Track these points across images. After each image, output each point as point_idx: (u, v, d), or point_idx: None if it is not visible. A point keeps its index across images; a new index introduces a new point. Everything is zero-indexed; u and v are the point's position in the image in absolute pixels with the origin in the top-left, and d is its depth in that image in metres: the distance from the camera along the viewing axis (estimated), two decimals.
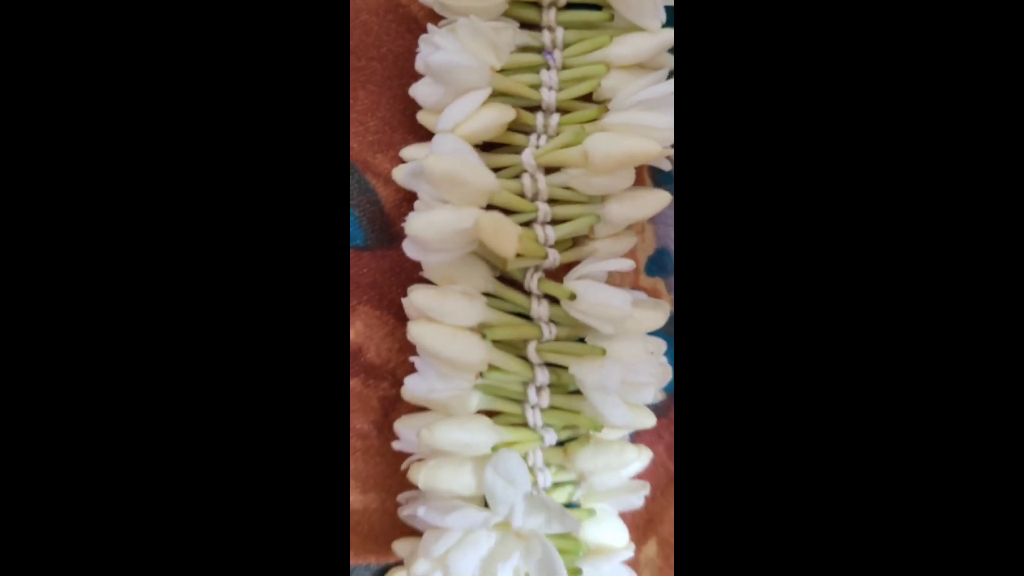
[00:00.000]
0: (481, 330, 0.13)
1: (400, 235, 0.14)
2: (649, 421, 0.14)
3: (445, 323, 0.13)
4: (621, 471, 0.14)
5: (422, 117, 0.14)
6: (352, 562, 0.15)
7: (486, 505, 0.13)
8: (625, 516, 0.16)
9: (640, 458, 0.15)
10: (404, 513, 0.14)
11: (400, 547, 0.15)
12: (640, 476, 0.16)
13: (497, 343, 0.13)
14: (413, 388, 0.13)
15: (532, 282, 0.14)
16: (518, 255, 0.13)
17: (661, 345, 0.14)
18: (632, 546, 0.16)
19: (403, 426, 0.14)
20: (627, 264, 0.13)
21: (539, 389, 0.14)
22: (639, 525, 0.17)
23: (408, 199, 0.14)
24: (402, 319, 0.14)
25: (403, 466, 0.14)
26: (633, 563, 0.17)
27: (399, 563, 0.15)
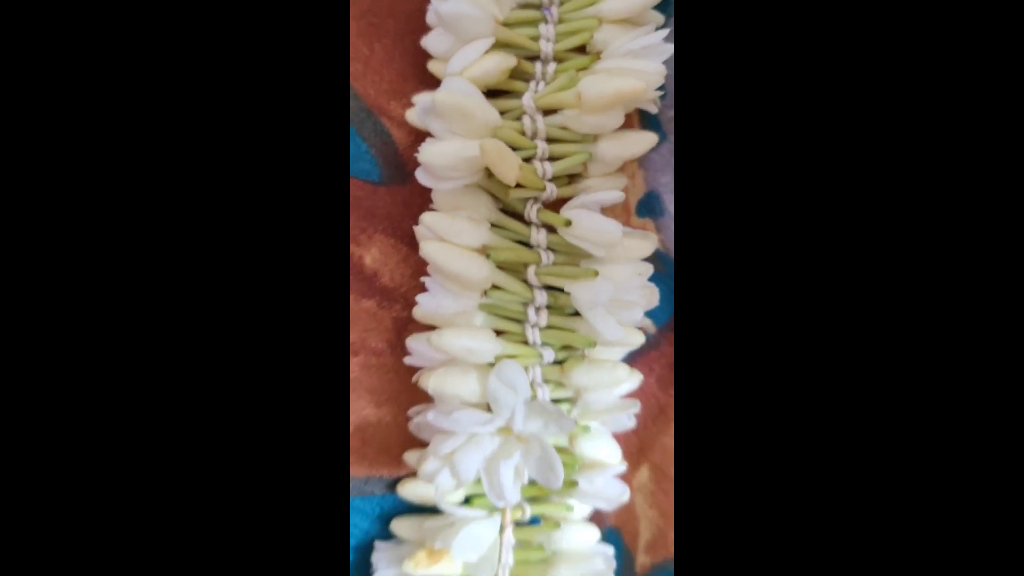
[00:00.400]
0: (485, 251, 0.14)
1: (411, 172, 0.16)
2: (638, 339, 0.15)
3: (453, 242, 0.14)
4: (613, 389, 0.16)
5: (432, 66, 0.16)
6: (366, 473, 0.16)
7: (489, 411, 0.14)
8: (619, 442, 0.18)
9: (631, 379, 0.16)
10: (414, 423, 0.16)
11: (410, 457, 0.16)
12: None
13: (500, 267, 0.15)
14: (424, 305, 0.14)
15: (532, 212, 0.15)
16: (519, 186, 0.15)
17: (648, 269, 0.15)
18: (624, 464, 0.17)
19: (414, 342, 0.15)
20: (617, 196, 0.15)
21: (538, 309, 0.15)
22: (632, 452, 0.18)
23: (418, 141, 0.15)
24: (414, 247, 0.16)
25: (414, 378, 0.15)
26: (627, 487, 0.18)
27: (410, 475, 0.17)
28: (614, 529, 0.18)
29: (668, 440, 0.18)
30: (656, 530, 0.18)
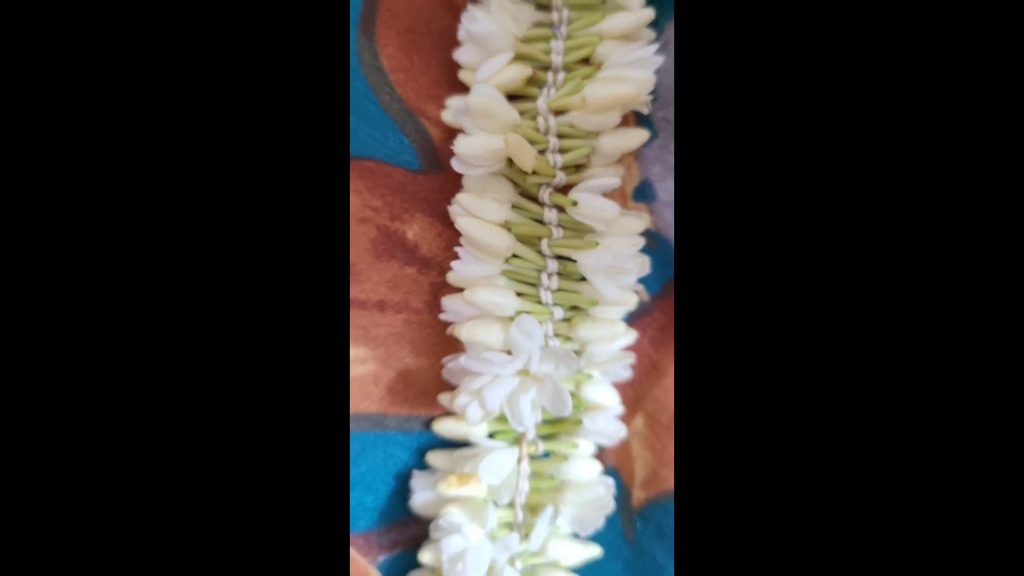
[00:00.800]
0: (507, 226, 0.18)
1: (445, 163, 0.19)
2: (632, 299, 0.18)
3: (481, 218, 0.17)
4: (613, 343, 0.19)
5: (462, 75, 0.19)
6: (407, 412, 0.19)
7: (511, 356, 0.17)
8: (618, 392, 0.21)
9: (627, 335, 0.19)
10: (447, 369, 0.19)
11: (443, 398, 0.19)
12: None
13: (519, 239, 0.18)
14: (457, 270, 0.18)
15: (545, 195, 0.18)
16: (534, 173, 0.18)
17: (640, 241, 0.18)
18: (622, 407, 0.20)
19: (448, 301, 0.18)
20: (614, 182, 0.18)
21: (550, 275, 0.18)
22: (629, 403, 0.21)
23: (450, 137, 0.19)
24: (447, 225, 0.19)
25: (448, 331, 0.18)
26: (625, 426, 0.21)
27: (444, 414, 0.20)
28: (614, 469, 0.21)
29: (660, 392, 0.21)
30: (650, 469, 0.21)
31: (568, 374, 0.17)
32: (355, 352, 0.19)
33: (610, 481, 0.20)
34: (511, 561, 0.19)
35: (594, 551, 0.20)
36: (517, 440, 0.19)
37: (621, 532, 0.21)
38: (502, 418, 0.19)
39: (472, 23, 0.18)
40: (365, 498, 0.19)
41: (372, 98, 0.19)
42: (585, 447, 0.20)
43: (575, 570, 0.20)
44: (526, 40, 0.18)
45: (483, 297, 0.17)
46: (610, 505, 0.19)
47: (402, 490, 0.19)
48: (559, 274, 0.18)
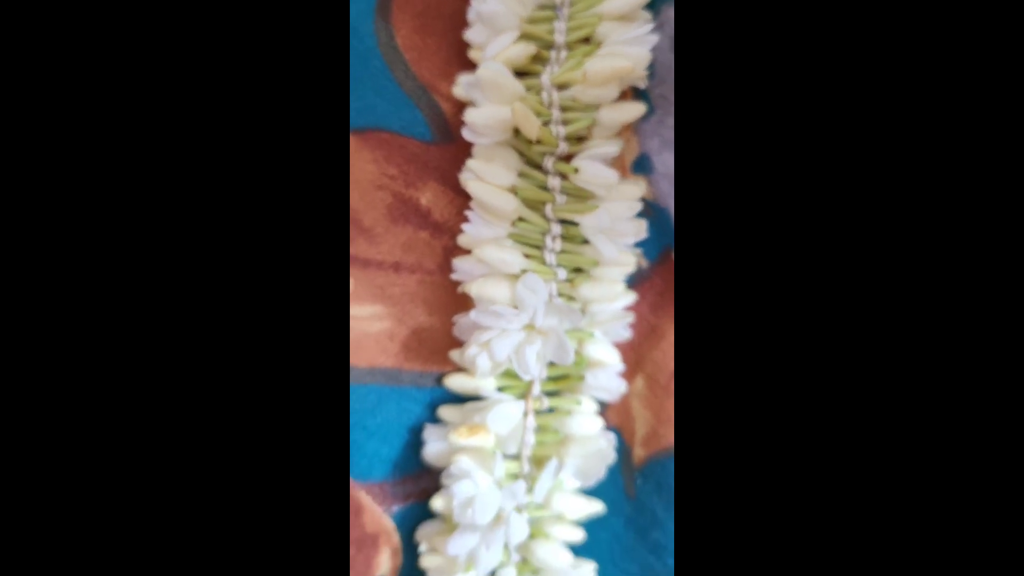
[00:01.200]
0: (514, 191, 0.19)
1: (457, 135, 0.20)
2: (630, 259, 0.20)
3: (490, 182, 0.18)
4: (613, 303, 0.20)
5: (472, 54, 0.20)
6: (420, 369, 0.21)
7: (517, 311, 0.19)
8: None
9: (626, 295, 0.20)
10: (457, 327, 0.20)
11: (454, 354, 0.20)
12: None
13: (525, 204, 0.19)
14: (468, 232, 0.19)
15: (548, 164, 0.19)
16: (539, 142, 0.19)
17: (638, 206, 0.19)
18: (623, 365, 0.21)
19: (459, 262, 0.19)
20: (614, 150, 0.19)
21: (554, 238, 0.19)
22: (629, 365, 0.22)
23: (460, 111, 0.20)
24: (458, 191, 0.20)
25: (459, 289, 0.19)
26: (624, 396, 0.22)
27: (455, 370, 0.21)
28: (615, 428, 0.22)
29: (659, 354, 0.22)
30: (649, 428, 0.22)
31: (571, 327, 0.18)
32: (372, 310, 0.20)
33: (611, 435, 0.21)
34: (518, 509, 0.20)
35: (597, 506, 0.21)
36: (523, 395, 0.20)
37: (623, 489, 0.22)
38: (508, 374, 0.20)
39: (481, 4, 0.19)
40: (381, 449, 0.20)
41: (388, 75, 0.21)
42: (588, 404, 0.21)
43: (579, 524, 0.21)
44: (531, 21, 0.20)
45: (492, 255, 0.18)
46: (611, 456, 0.20)
47: (415, 443, 0.21)
48: (562, 237, 0.20)
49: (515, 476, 0.20)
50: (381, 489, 0.21)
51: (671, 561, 0.22)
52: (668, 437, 0.22)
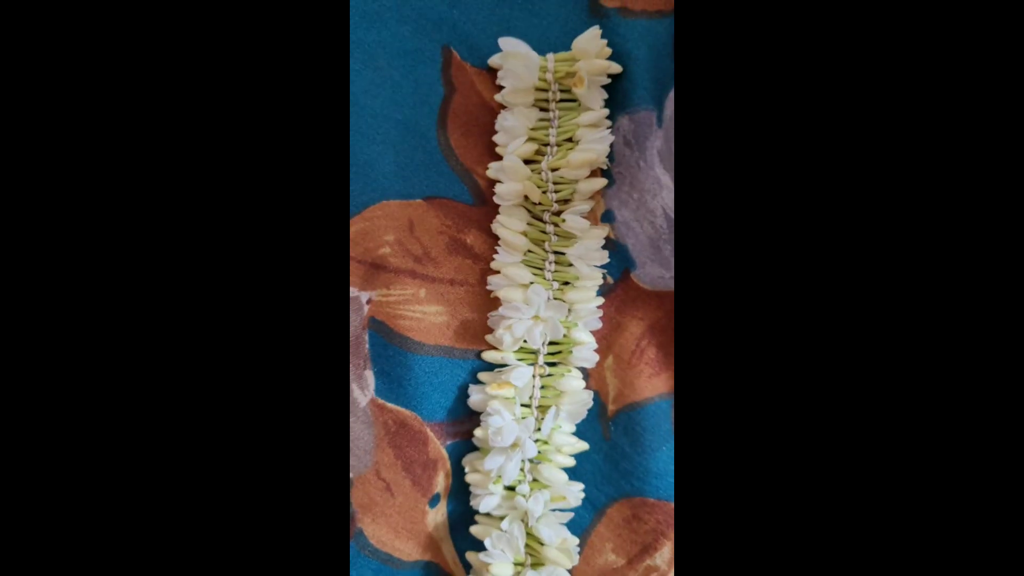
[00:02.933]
0: (524, 234, 0.30)
1: (489, 200, 0.31)
2: (599, 277, 0.30)
3: (510, 228, 0.30)
4: (589, 304, 0.31)
5: (498, 150, 0.31)
6: (465, 347, 0.31)
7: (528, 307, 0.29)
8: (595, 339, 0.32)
9: (597, 300, 0.31)
10: (491, 319, 0.30)
11: (489, 338, 0.31)
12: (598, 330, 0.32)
13: (531, 241, 0.30)
14: (497, 259, 0.30)
15: (546, 217, 0.30)
16: (540, 204, 0.30)
17: (602, 242, 0.30)
18: (595, 344, 0.31)
19: (492, 278, 0.30)
20: (587, 208, 0.30)
21: (550, 263, 0.30)
22: (601, 348, 0.31)
23: (490, 185, 0.31)
24: (490, 235, 0.31)
25: (492, 295, 0.30)
26: (599, 369, 0.32)
27: (488, 348, 0.31)
28: (594, 391, 0.32)
29: (623, 340, 0.32)
30: (617, 391, 0.32)
31: (561, 317, 0.29)
32: (436, 308, 0.31)
33: (591, 393, 0.31)
34: (530, 439, 0.30)
35: (583, 445, 0.31)
36: (533, 363, 0.31)
37: (600, 433, 0.32)
38: (523, 349, 0.30)
39: (503, 120, 0.31)
40: (440, 400, 0.31)
41: (445, 163, 0.32)
42: (575, 371, 0.31)
43: (571, 456, 0.31)
44: (534, 129, 0.31)
45: (512, 273, 0.29)
46: (590, 403, 0.31)
47: (462, 397, 0.31)
48: (555, 262, 0.31)
49: (527, 417, 0.31)
50: (440, 428, 0.31)
51: (637, 483, 0.31)
52: (631, 396, 0.32)
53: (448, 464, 0.31)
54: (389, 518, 0.31)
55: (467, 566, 0.31)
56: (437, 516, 0.31)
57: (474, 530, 0.31)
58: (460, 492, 0.31)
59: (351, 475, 0.30)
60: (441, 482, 0.31)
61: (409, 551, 0.31)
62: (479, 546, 0.31)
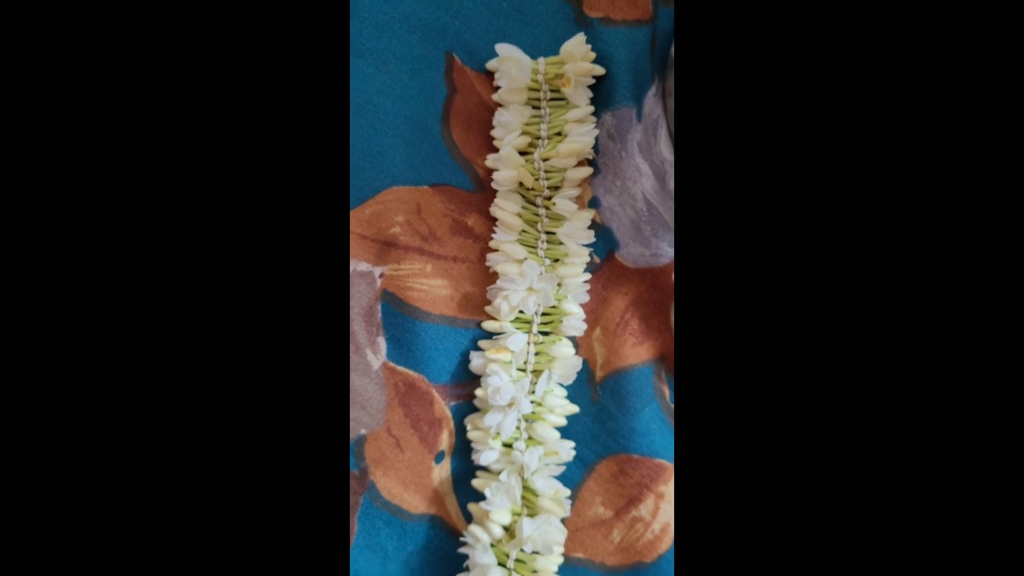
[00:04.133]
0: (519, 215, 0.34)
1: (487, 187, 0.35)
2: (586, 254, 0.34)
3: (507, 210, 0.33)
4: (577, 279, 0.34)
5: (495, 143, 0.35)
6: (466, 318, 0.35)
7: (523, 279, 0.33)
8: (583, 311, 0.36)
9: (584, 275, 0.34)
10: (489, 291, 0.34)
11: (488, 308, 0.34)
12: (587, 302, 0.36)
13: (525, 222, 0.34)
14: (495, 238, 0.34)
15: (538, 201, 0.34)
16: (533, 190, 0.34)
17: (588, 223, 0.34)
18: (583, 314, 0.35)
19: (491, 256, 0.34)
20: (576, 193, 0.34)
21: (542, 241, 0.34)
22: (590, 320, 0.36)
23: (489, 174, 0.35)
24: (489, 218, 0.34)
25: (490, 271, 0.34)
26: (588, 339, 0.36)
27: (487, 319, 0.35)
28: (584, 359, 0.36)
29: (608, 314, 0.36)
30: (604, 358, 0.36)
31: (551, 288, 0.33)
32: (441, 283, 0.34)
33: (580, 358, 0.35)
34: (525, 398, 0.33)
35: (574, 407, 0.35)
36: (528, 331, 0.34)
37: (589, 397, 0.36)
38: (519, 319, 0.34)
39: (500, 116, 0.34)
40: (445, 364, 0.34)
41: (448, 155, 0.36)
42: (566, 341, 0.35)
43: (563, 417, 0.35)
44: (527, 124, 0.35)
45: (509, 250, 0.33)
46: (579, 366, 0.34)
47: (465, 362, 0.34)
48: (547, 241, 0.34)
49: (522, 379, 0.34)
50: (445, 389, 0.34)
51: (623, 441, 0.35)
52: (617, 363, 0.35)
53: (452, 424, 0.35)
54: (399, 472, 0.34)
55: (469, 518, 0.35)
56: (442, 472, 0.35)
57: (475, 482, 0.34)
58: (463, 451, 0.35)
59: (364, 432, 0.34)
60: (445, 440, 0.35)
61: (416, 504, 0.34)
62: (480, 499, 0.34)
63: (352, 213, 0.34)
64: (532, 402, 0.34)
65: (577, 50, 0.33)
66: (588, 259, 0.34)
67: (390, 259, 0.34)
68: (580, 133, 0.34)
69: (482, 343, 0.34)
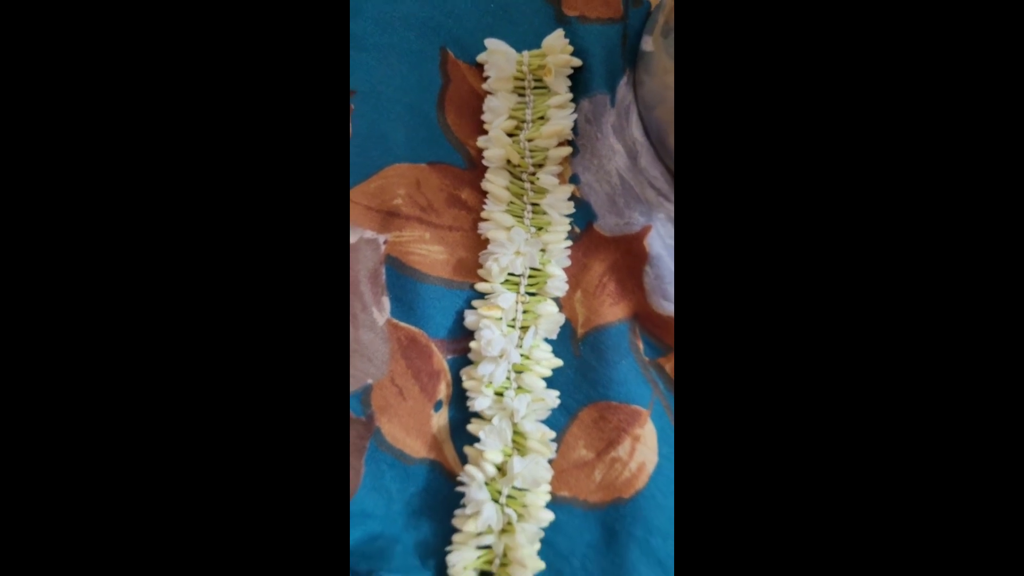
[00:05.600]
0: (507, 189, 0.38)
1: (479, 164, 0.39)
2: (567, 223, 0.38)
3: (495, 184, 0.38)
4: (559, 244, 0.38)
5: (485, 126, 0.39)
6: (462, 280, 0.39)
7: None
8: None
9: (566, 241, 0.39)
10: (480, 256, 0.38)
11: (480, 271, 0.38)
12: (569, 267, 0.40)
13: (512, 195, 0.38)
14: (486, 209, 0.38)
15: (524, 176, 0.38)
16: (518, 166, 0.38)
17: (568, 195, 0.38)
18: (565, 277, 0.39)
19: (482, 224, 0.38)
20: (558, 170, 0.38)
21: (527, 211, 0.38)
22: (572, 283, 0.40)
23: (480, 154, 0.39)
24: (480, 191, 0.39)
25: (482, 237, 0.38)
26: (571, 301, 0.40)
27: (480, 280, 0.39)
28: (567, 318, 0.40)
29: (588, 278, 0.40)
30: (585, 317, 0.40)
31: (536, 250, 0.37)
32: (438, 248, 0.38)
33: (563, 316, 0.39)
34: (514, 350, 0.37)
35: (558, 361, 0.39)
36: (516, 291, 0.38)
37: (572, 352, 0.40)
38: (508, 281, 0.38)
39: (489, 103, 0.39)
40: (443, 321, 0.38)
41: (443, 137, 0.40)
42: (550, 301, 0.39)
43: (549, 369, 0.39)
44: (514, 109, 0.39)
45: (498, 218, 0.37)
46: (562, 321, 0.38)
47: (460, 320, 0.38)
48: (533, 211, 0.38)
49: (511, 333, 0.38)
50: (442, 344, 0.38)
51: (602, 390, 0.39)
52: (596, 321, 0.39)
53: (449, 376, 0.39)
54: (401, 418, 0.38)
55: (465, 461, 0.38)
56: (440, 420, 0.38)
57: (470, 427, 0.38)
58: (458, 401, 0.39)
59: (371, 381, 0.38)
60: (443, 390, 0.38)
61: (417, 448, 0.38)
62: (475, 442, 0.38)
63: (359, 187, 0.38)
64: (521, 355, 0.38)
65: (557, 44, 0.38)
66: (569, 228, 0.39)
67: (393, 227, 0.38)
68: (560, 117, 0.38)
69: (475, 302, 0.38)
